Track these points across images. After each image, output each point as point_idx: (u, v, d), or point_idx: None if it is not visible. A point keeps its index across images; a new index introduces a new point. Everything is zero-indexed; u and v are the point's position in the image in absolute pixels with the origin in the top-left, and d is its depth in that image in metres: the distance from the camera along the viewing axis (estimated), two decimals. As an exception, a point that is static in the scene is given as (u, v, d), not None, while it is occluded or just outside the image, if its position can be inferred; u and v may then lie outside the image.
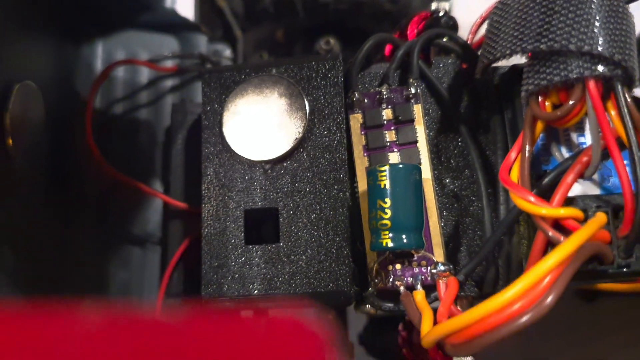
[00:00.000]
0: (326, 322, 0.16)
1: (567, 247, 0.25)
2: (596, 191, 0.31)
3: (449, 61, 0.36)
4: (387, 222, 0.31)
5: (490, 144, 0.35)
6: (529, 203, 0.28)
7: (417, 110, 0.35)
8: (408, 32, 0.39)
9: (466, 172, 0.35)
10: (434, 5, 0.38)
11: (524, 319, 0.24)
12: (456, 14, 0.42)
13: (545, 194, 0.30)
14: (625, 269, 0.29)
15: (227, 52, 0.50)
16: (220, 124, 0.36)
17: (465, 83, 0.36)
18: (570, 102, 0.29)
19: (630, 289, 0.35)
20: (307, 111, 0.35)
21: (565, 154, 0.32)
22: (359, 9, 0.50)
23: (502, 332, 0.24)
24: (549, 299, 0.24)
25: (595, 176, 0.31)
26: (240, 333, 0.17)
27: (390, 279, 0.33)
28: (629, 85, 0.29)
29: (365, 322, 0.47)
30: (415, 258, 0.33)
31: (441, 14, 0.38)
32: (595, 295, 0.41)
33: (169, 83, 0.46)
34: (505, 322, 0.24)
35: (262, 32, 0.53)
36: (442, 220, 0.34)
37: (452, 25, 0.38)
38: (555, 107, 0.30)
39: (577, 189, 0.31)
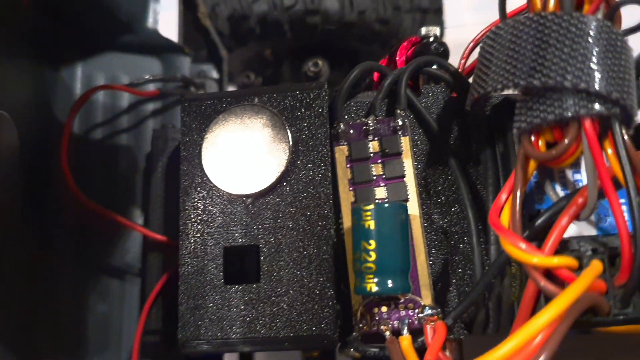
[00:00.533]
0: None
1: (560, 303, 0.23)
2: (592, 231, 0.30)
3: (439, 90, 0.35)
4: (372, 265, 0.29)
5: (481, 178, 0.34)
6: (519, 251, 0.26)
7: (405, 142, 0.33)
8: (397, 57, 0.37)
9: (456, 207, 0.34)
10: (423, 30, 0.37)
11: (514, 382, 0.23)
12: (448, 35, 0.41)
13: (538, 236, 0.28)
14: (621, 317, 0.28)
15: (213, 73, 0.48)
16: (199, 156, 0.34)
17: (455, 113, 0.34)
18: (566, 141, 0.27)
19: (625, 331, 0.33)
20: (291, 143, 0.34)
21: (560, 192, 0.31)
22: (348, 29, 0.48)
23: (491, 395, 0.23)
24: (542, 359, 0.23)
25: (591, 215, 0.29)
26: None
27: (376, 323, 0.31)
28: (627, 124, 0.27)
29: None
30: (402, 300, 0.31)
31: (431, 39, 0.37)
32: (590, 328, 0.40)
33: (151, 107, 0.45)
34: (495, 385, 0.23)
35: (248, 52, 0.51)
36: (431, 258, 0.33)
37: (442, 51, 0.36)
38: (549, 145, 0.28)
39: (572, 230, 0.29)
